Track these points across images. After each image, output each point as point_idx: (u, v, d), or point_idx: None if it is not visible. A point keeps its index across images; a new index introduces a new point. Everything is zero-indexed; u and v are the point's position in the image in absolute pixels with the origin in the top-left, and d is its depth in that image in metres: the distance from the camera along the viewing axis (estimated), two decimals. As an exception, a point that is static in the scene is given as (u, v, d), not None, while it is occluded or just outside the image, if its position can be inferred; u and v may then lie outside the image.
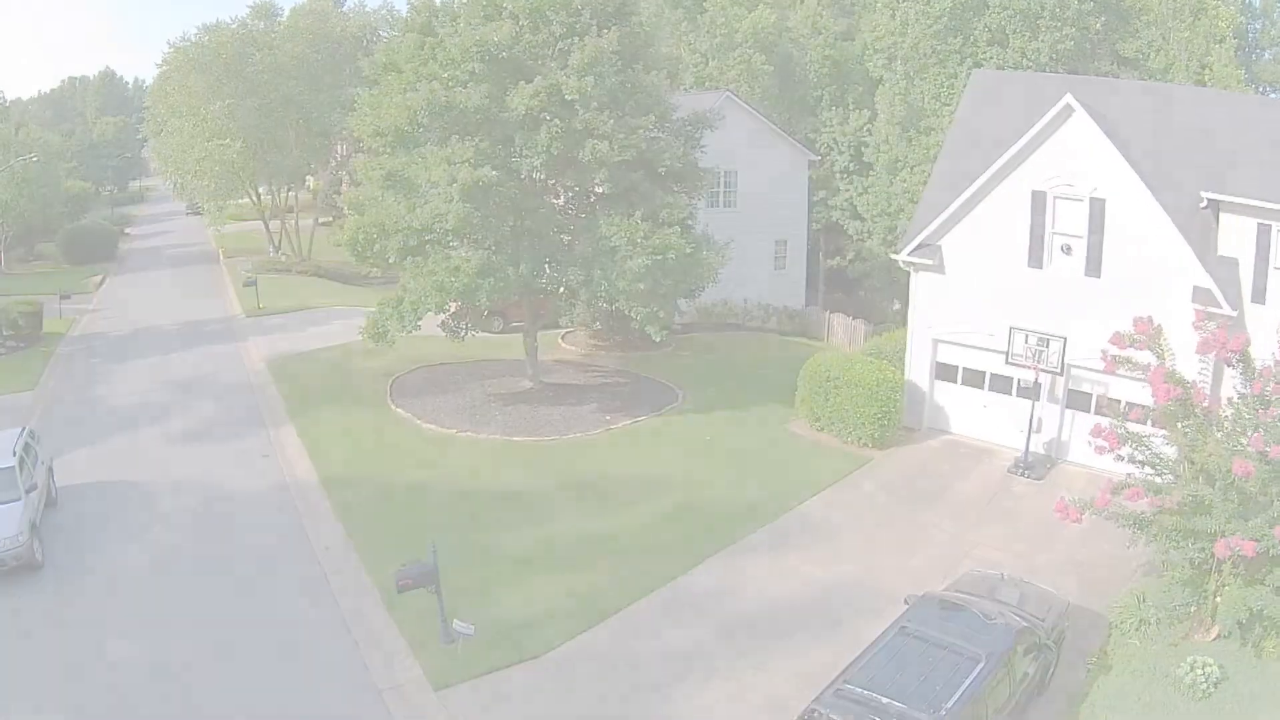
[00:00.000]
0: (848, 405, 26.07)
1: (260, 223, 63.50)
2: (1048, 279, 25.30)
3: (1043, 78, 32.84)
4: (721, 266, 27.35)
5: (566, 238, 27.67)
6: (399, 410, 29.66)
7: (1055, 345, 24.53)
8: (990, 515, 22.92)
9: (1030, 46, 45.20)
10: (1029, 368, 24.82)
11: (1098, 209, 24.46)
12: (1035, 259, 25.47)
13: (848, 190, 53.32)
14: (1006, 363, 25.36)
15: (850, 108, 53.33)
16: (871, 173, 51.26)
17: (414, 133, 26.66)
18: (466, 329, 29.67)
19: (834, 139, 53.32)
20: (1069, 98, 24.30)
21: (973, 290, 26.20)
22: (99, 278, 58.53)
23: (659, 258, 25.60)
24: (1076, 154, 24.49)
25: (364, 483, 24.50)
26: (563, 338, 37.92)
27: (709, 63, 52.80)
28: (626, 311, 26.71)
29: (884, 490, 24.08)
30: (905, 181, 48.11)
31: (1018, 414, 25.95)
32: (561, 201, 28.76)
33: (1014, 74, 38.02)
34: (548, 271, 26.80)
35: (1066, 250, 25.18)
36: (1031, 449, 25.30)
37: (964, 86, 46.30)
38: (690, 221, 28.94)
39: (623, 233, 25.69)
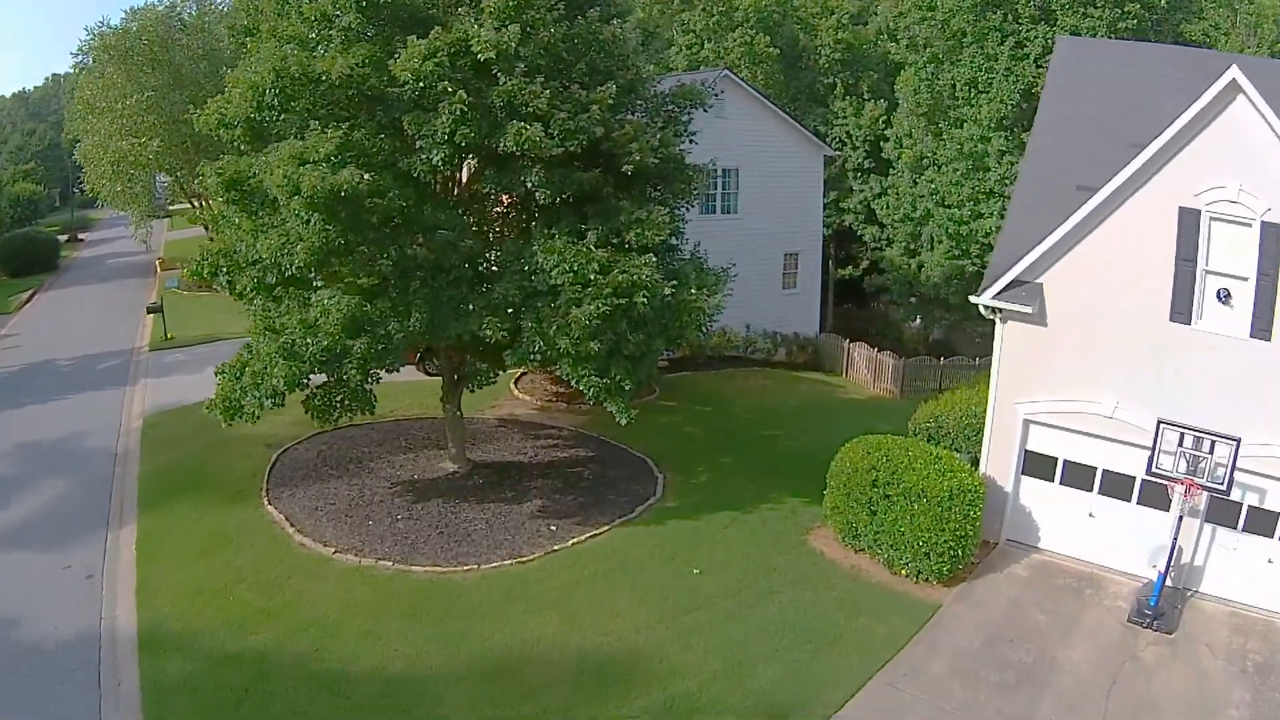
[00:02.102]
0: (904, 527, 16.32)
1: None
2: (1196, 340, 15.60)
3: (1152, 49, 23.01)
4: (718, 307, 17.33)
5: (491, 269, 17.83)
6: (271, 509, 19.90)
7: (1223, 450, 14.89)
8: (1119, 712, 13.45)
9: (1083, 25, 35.05)
10: (1182, 482, 15.17)
11: (1272, 238, 14.84)
12: (1180, 309, 15.71)
13: (863, 191, 43.57)
14: (1149, 473, 15.63)
15: (865, 97, 43.51)
16: (891, 171, 41.46)
17: (266, 121, 16.93)
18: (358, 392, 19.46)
19: (847, 132, 43.51)
20: (1235, 73, 14.64)
21: (1086, 352, 16.44)
22: (27, 294, 48.80)
23: (622, 302, 15.85)
24: (1244, 155, 14.88)
25: (191, 646, 15.04)
26: (516, 382, 28.10)
27: (704, 45, 42.91)
28: (573, 382, 16.91)
29: (961, 673, 14.31)
30: (933, 182, 38.26)
31: (1138, 527, 16.43)
32: (477, 218, 18.77)
33: (1112, 43, 27.95)
34: (454, 325, 16.96)
35: (1224, 298, 15.48)
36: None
37: (1005, 71, 36.68)
38: (675, 240, 19.29)
39: (566, 264, 15.92)
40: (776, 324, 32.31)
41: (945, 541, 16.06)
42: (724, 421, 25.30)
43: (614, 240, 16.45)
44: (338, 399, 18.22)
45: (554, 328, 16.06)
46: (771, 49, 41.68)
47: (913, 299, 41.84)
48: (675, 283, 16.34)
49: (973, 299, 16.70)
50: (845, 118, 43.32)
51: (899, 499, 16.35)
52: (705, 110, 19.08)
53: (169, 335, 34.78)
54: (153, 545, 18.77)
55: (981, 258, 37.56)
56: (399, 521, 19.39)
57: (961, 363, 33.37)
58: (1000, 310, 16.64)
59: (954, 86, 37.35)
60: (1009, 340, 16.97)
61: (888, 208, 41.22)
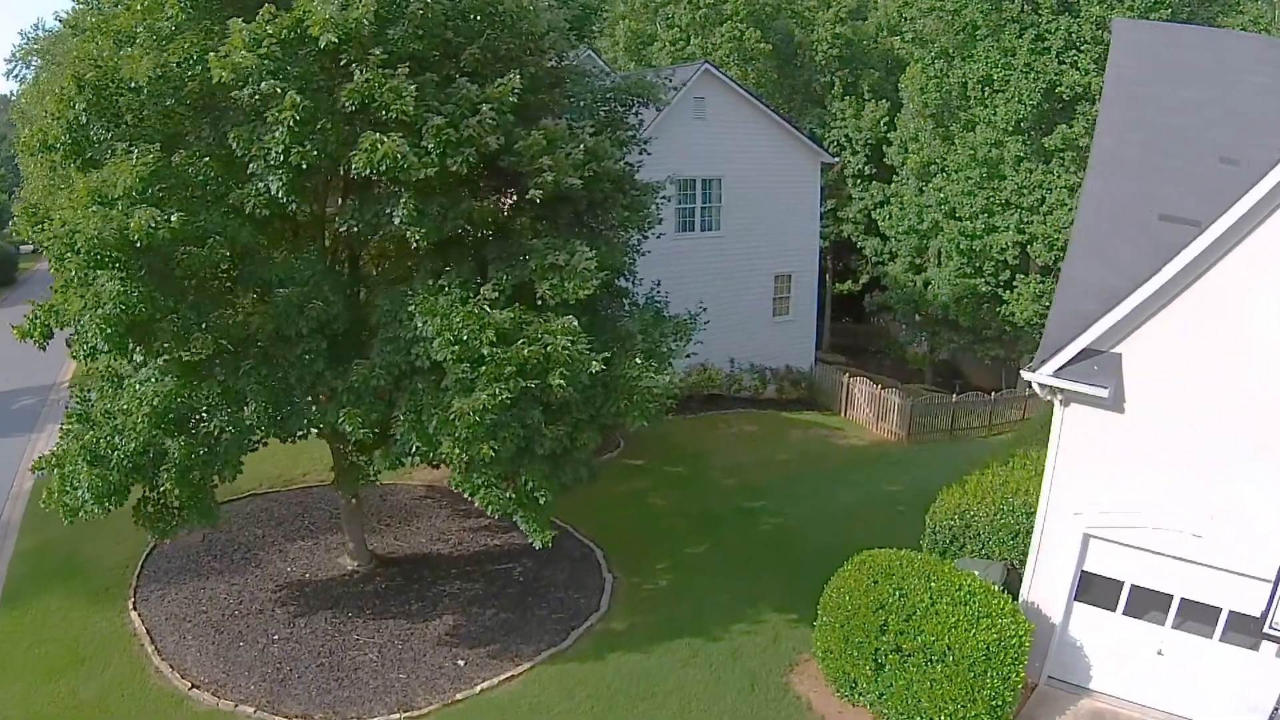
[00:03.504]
0: (921, 694, 11.22)
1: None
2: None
3: (1230, 37, 17.78)
4: (669, 386, 11.99)
5: (361, 337, 12.65)
6: (135, 616, 15.03)
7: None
8: None
9: (1111, 17, 29.61)
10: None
11: None
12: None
13: (863, 199, 38.35)
14: (1266, 631, 10.50)
15: (866, 96, 38.24)
16: (895, 178, 36.23)
17: (80, 142, 11.88)
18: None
19: (846, 135, 38.27)
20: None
21: (1179, 449, 11.31)
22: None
23: (532, 385, 10.78)
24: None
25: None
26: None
27: (689, 40, 37.66)
28: (467, 494, 11.82)
29: None
30: (942, 191, 33.02)
31: (1222, 670, 11.49)
32: (346, 268, 13.53)
33: (1182, 29, 22.60)
34: (303, 417, 11.90)
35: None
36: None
37: (1024, 67, 31.38)
38: (625, 278, 14.25)
39: (450, 332, 10.83)
40: (766, 356, 27.18)
41: (977, 715, 10.98)
42: (698, 488, 20.17)
43: (518, 294, 11.33)
44: (174, 505, 13.11)
45: (434, 422, 11.01)
46: (763, 44, 36.45)
47: (918, 317, 36.65)
48: (609, 354, 11.19)
49: (1026, 375, 11.52)
50: (844, 119, 38.10)
51: (916, 656, 11.26)
52: (659, 109, 13.93)
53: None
54: (5, 656, 14.03)
55: (995, 276, 32.39)
56: (275, 643, 14.44)
57: (976, 400, 28.28)
58: (1064, 392, 11.47)
59: (965, 84, 32.08)
60: (1071, 430, 11.79)
61: (891, 218, 36.01)
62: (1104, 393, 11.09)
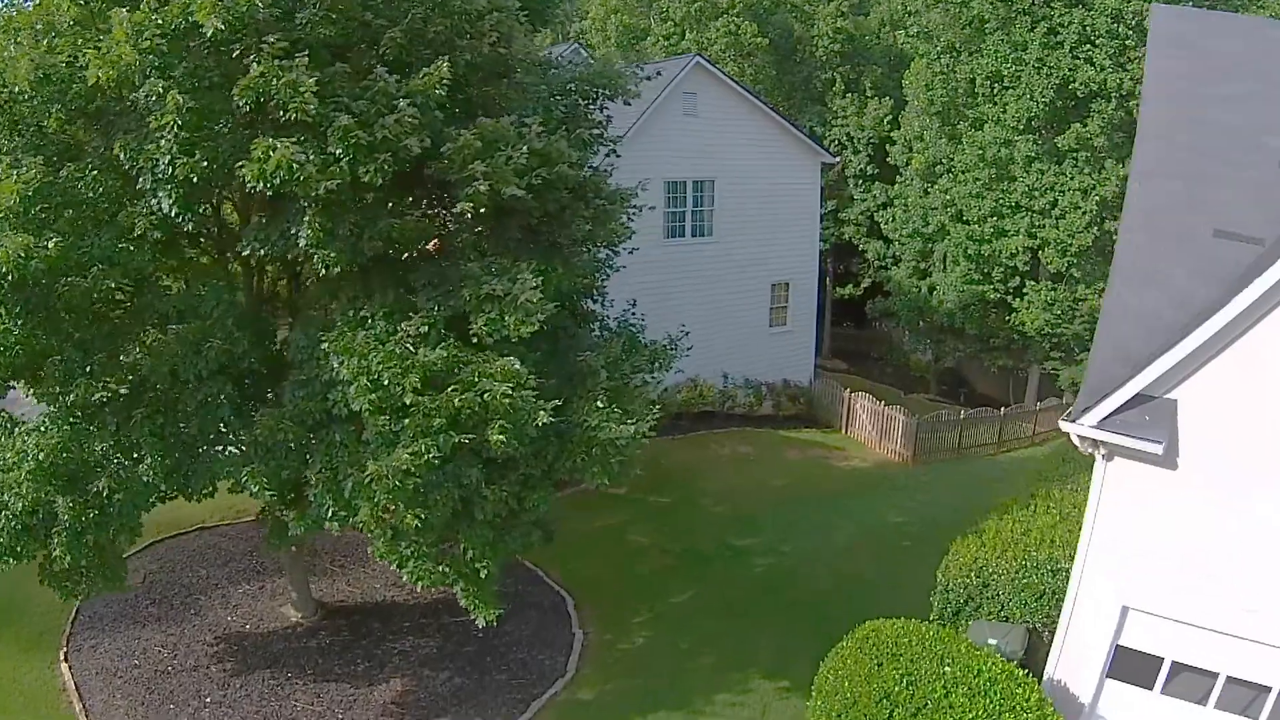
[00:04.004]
0: (938, 809, 9.34)
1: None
2: None
3: (1269, 24, 15.71)
4: (638, 437, 10.01)
5: (279, 379, 10.70)
6: (65, 668, 13.26)
7: None
8: None
9: (1127, 9, 27.51)
10: None
11: None
12: None
13: (865, 200, 36.31)
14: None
15: (868, 94, 36.19)
16: (899, 178, 34.19)
17: None
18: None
19: (847, 134, 36.22)
20: None
21: (1243, 512, 9.36)
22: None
23: (467, 440, 8.86)
24: None
25: None
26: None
27: (684, 35, 35.62)
28: (393, 567, 9.92)
29: None
30: (948, 193, 31.00)
31: None
32: (261, 298, 11.55)
33: (1230, 18, 20.46)
34: (204, 474, 10.00)
35: None
36: None
37: (1036, 62, 29.32)
38: (594, 299, 12.33)
39: (367, 374, 8.90)
40: (762, 369, 25.21)
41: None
42: (684, 520, 18.24)
43: (449, 326, 9.37)
44: (80, 564, 11.16)
45: (348, 483, 9.10)
46: (760, 39, 34.40)
47: (922, 324, 34.64)
48: (561, 400, 9.23)
49: (1065, 426, 9.57)
50: (845, 117, 36.06)
51: (930, 759, 9.34)
52: (627, 103, 11.92)
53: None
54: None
55: (1005, 283, 30.36)
56: (206, 707, 12.72)
57: (985, 416, 26.33)
58: (1108, 445, 9.50)
59: (973, 81, 30.00)
60: (1114, 489, 9.83)
61: (894, 221, 33.98)
62: (1156, 448, 9.13)
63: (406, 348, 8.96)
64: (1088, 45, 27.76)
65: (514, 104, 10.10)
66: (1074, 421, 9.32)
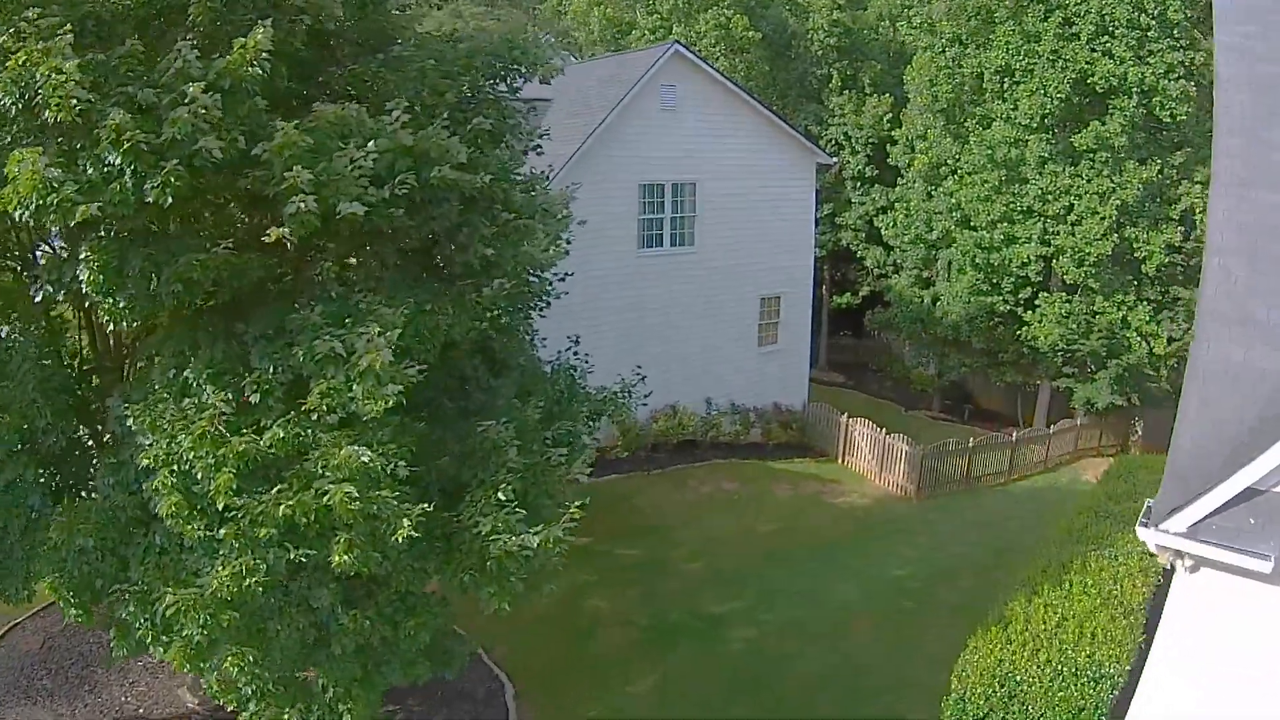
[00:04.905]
0: None
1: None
2: None
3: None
4: (555, 546, 7.23)
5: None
6: None
7: None
8: None
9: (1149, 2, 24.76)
10: None
11: None
12: None
13: (864, 204, 33.54)
14: None
15: (867, 90, 33.41)
16: (900, 180, 31.42)
17: None
18: None
19: (845, 133, 33.43)
20: None
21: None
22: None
23: (305, 557, 6.17)
24: None
25: None
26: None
27: (671, 29, 32.84)
28: (231, 708, 7.31)
29: None
30: (953, 196, 28.25)
31: None
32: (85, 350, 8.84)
33: None
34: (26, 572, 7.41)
35: None
36: None
37: (1050, 54, 26.47)
38: (527, 338, 9.63)
39: (166, 468, 6.25)
40: (750, 393, 22.44)
41: None
42: (654, 581, 15.49)
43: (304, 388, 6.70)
44: None
45: (161, 605, 6.44)
46: (752, 33, 31.63)
47: (924, 335, 31.86)
48: (426, 507, 6.48)
49: (1145, 534, 6.84)
50: (843, 115, 33.24)
51: None
52: (545, 82, 9.10)
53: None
54: None
55: (1015, 294, 27.59)
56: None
57: (995, 442, 23.67)
58: (1193, 559, 6.76)
59: (981, 75, 27.23)
60: (1193, 609, 7.08)
61: (895, 226, 31.17)
62: (1265, 565, 6.39)
63: (219, 429, 6.25)
64: (1106, 36, 25.02)
65: (390, 87, 7.36)
66: (1155, 528, 6.58)
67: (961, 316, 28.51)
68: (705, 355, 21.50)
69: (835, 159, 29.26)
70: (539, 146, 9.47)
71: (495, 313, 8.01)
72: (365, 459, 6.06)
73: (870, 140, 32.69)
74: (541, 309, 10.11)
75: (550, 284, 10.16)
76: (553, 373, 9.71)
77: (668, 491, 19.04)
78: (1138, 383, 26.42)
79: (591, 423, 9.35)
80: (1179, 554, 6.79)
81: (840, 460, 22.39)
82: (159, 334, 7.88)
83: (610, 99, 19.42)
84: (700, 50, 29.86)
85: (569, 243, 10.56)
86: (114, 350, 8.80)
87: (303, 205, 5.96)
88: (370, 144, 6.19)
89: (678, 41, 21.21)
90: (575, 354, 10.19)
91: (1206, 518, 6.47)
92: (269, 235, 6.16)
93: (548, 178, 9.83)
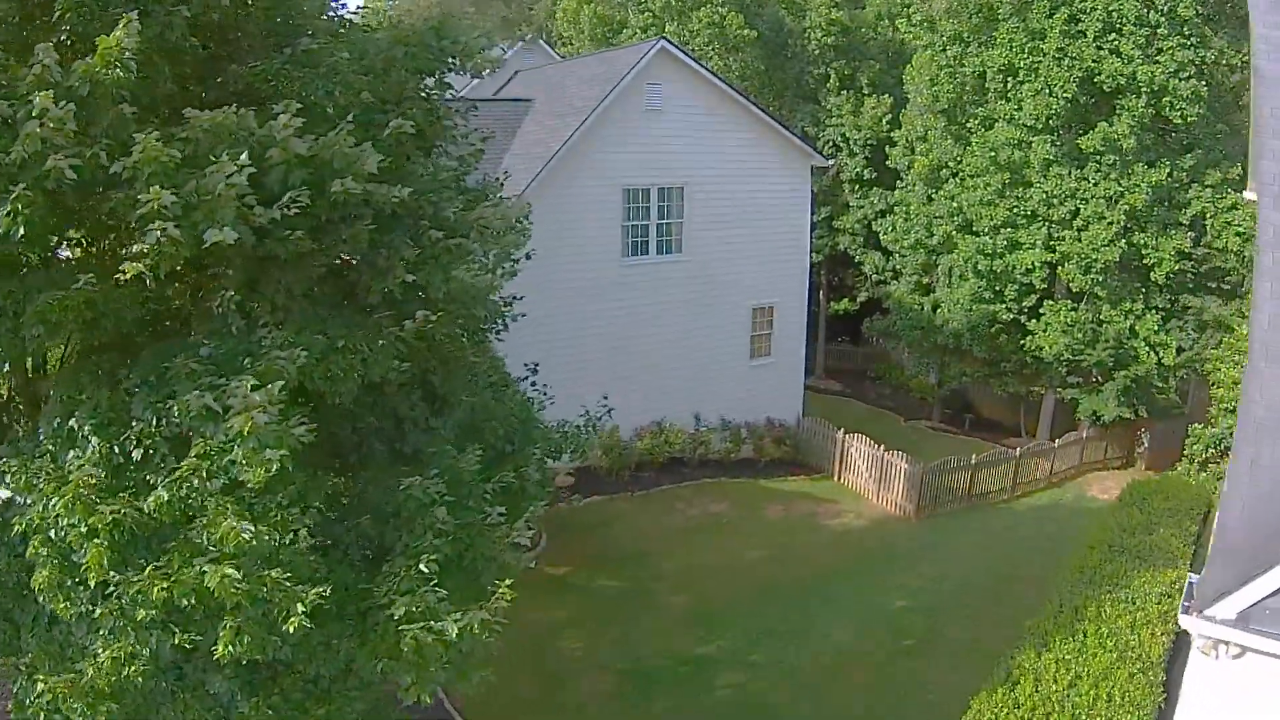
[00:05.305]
0: None
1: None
2: None
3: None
4: (485, 636, 6.18)
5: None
6: None
7: None
8: None
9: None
10: None
11: None
12: None
13: (862, 208, 32.43)
14: None
15: (865, 91, 32.32)
16: (900, 183, 30.33)
17: None
18: None
19: (842, 135, 32.32)
20: None
21: None
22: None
23: (189, 642, 5.13)
24: None
25: None
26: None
27: (664, 27, 31.75)
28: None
29: None
30: (955, 200, 27.17)
31: None
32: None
33: None
34: None
35: None
36: None
37: (1056, 52, 25.31)
38: (484, 373, 8.54)
39: (38, 535, 5.22)
40: (741, 408, 21.34)
41: None
42: (633, 618, 14.38)
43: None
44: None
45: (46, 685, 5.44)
46: (747, 31, 30.54)
47: (924, 344, 30.75)
48: (321, 591, 5.41)
49: (1188, 622, 5.81)
50: (840, 116, 32.12)
51: None
52: (479, 76, 8.01)
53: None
54: None
55: (1019, 301, 26.50)
56: None
57: (998, 457, 22.62)
58: (1238, 647, 5.69)
59: (984, 75, 26.14)
60: (1229, 695, 6.01)
61: (894, 230, 30.07)
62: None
63: (90, 499, 5.20)
64: (1114, 34, 23.94)
65: (297, 86, 6.29)
66: (1199, 615, 5.51)
67: (963, 324, 27.40)
68: (693, 368, 20.42)
69: (832, 161, 28.18)
70: (481, 150, 8.34)
71: (433, 342, 6.94)
72: (248, 534, 5.01)
73: (869, 142, 31.59)
74: (498, 332, 9.06)
75: (508, 304, 9.11)
76: (518, 405, 8.61)
77: (653, 515, 17.96)
78: (1146, 394, 25.33)
79: (549, 460, 8.29)
80: (1219, 643, 5.72)
81: (836, 478, 21.30)
82: (51, 378, 6.84)
83: (593, 99, 18.35)
84: (694, 49, 28.81)
85: (529, 258, 9.53)
86: (11, 396, 7.75)
87: (165, 232, 4.90)
88: (243, 156, 5.12)
89: (664, 38, 20.13)
90: (533, 384, 9.13)
91: (1261, 601, 5.40)
92: (123, 271, 5.09)
93: (500, 184, 8.76)
